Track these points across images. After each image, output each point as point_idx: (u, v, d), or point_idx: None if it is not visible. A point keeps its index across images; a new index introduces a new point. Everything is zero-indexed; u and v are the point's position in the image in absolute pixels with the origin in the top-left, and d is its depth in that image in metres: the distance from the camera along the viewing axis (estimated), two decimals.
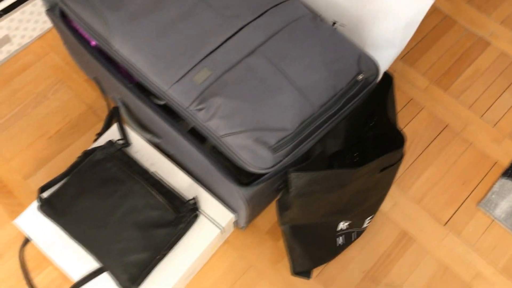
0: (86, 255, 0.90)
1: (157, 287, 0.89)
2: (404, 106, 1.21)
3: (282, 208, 0.89)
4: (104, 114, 1.16)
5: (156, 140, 1.00)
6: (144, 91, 0.97)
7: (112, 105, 1.14)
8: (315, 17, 0.99)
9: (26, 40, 1.24)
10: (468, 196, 1.10)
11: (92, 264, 0.90)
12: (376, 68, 0.97)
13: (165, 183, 0.96)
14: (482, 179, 1.13)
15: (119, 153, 0.96)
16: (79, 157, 0.96)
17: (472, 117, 1.20)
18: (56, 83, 1.20)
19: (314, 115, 0.89)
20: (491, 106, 1.22)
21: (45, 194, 0.93)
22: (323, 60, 0.94)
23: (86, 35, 0.99)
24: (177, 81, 0.88)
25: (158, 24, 0.92)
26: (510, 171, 1.13)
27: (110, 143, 0.96)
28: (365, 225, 0.98)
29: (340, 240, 0.98)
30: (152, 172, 0.97)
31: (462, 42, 1.31)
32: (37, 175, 1.08)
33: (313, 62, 0.93)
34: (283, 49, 0.93)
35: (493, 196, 1.10)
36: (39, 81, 1.20)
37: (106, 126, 1.11)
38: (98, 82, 1.10)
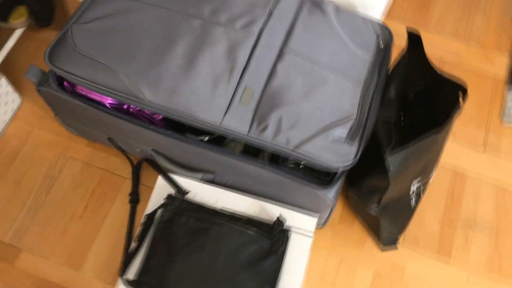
0: None
1: None
2: None
3: (370, 193, 0.89)
4: (124, 172, 1.08)
5: (209, 176, 0.95)
6: (180, 133, 0.91)
7: (135, 160, 1.06)
8: (314, 0, 0.97)
9: (0, 127, 1.10)
10: (489, 116, 1.17)
11: None
12: (388, 30, 0.98)
13: (240, 214, 0.92)
14: (491, 96, 1.19)
15: (183, 203, 0.90)
16: (143, 223, 0.89)
17: (459, 46, 1.26)
18: (58, 159, 1.09)
19: (363, 92, 0.89)
20: (467, 26, 1.28)
21: (128, 276, 0.86)
22: (345, 38, 0.93)
23: (98, 97, 0.91)
24: (226, 111, 0.84)
25: (179, 60, 0.86)
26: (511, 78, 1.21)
27: (170, 197, 0.90)
28: (430, 179, 1.01)
29: (413, 201, 1.00)
30: (221, 209, 0.92)
31: None
32: (89, 259, 0.99)
33: (339, 43, 0.92)
34: (306, 41, 0.91)
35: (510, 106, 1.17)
36: (37, 164, 1.08)
37: (136, 183, 1.04)
38: (113, 142, 1.01)
